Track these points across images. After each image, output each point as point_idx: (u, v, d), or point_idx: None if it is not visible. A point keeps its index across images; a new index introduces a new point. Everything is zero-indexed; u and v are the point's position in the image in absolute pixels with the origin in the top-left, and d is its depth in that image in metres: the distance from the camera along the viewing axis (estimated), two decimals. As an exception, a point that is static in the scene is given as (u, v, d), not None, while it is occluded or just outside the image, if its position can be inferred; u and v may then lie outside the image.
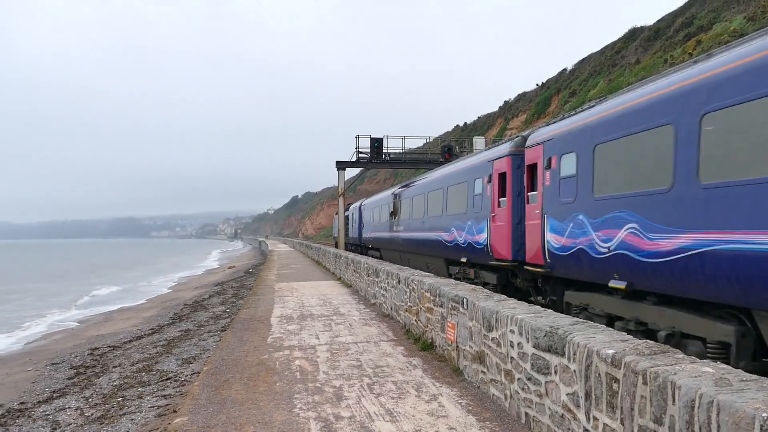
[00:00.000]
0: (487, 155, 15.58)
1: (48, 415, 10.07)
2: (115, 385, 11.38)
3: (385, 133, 35.81)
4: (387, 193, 30.56)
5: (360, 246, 39.27)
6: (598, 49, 52.88)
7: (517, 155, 13.48)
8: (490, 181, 14.65)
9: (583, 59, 54.75)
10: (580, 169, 10.25)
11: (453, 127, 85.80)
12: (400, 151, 36.09)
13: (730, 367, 3.62)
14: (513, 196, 13.45)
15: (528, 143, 12.90)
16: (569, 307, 10.94)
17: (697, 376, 3.44)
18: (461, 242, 16.75)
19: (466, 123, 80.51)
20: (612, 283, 9.09)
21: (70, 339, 20.82)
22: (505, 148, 14.14)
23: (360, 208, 39.33)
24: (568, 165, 10.70)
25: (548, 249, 11.35)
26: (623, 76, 38.67)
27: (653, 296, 8.54)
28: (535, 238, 12.01)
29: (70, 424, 9.14)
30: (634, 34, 46.77)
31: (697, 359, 3.87)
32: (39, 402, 11.30)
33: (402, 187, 27.37)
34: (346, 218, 43.63)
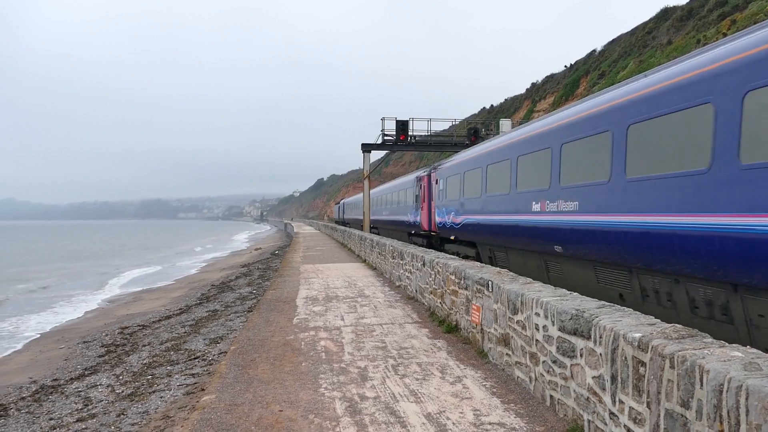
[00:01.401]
0: (414, 175, 28.96)
1: (80, 391, 10.33)
2: (145, 364, 11.61)
3: (411, 116, 35.64)
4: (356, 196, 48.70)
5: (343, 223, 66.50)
6: (629, 29, 51.78)
7: (429, 175, 24.75)
8: (420, 188, 26.47)
9: (613, 40, 53.70)
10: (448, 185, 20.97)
11: (479, 109, 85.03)
12: (426, 133, 35.89)
13: (760, 352, 3.57)
14: (428, 197, 24.63)
15: (430, 171, 24.68)
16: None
17: (725, 360, 3.39)
18: (411, 221, 28.78)
19: (492, 105, 79.73)
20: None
21: (100, 318, 21.29)
22: (424, 171, 26.55)
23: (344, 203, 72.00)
24: (444, 183, 21.75)
25: (435, 222, 23.00)
26: (654, 57, 37.83)
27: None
28: (432, 218, 23.63)
29: (101, 401, 9.37)
30: (666, 13, 45.66)
31: (726, 343, 3.81)
32: (71, 379, 11.60)
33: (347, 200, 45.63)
34: (339, 207, 72.65)
